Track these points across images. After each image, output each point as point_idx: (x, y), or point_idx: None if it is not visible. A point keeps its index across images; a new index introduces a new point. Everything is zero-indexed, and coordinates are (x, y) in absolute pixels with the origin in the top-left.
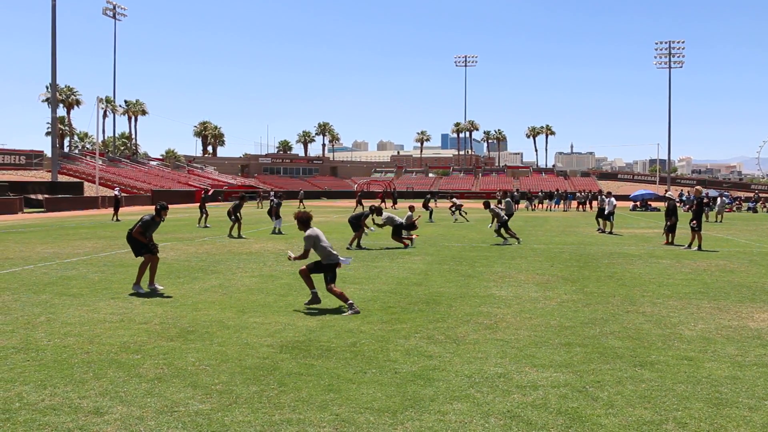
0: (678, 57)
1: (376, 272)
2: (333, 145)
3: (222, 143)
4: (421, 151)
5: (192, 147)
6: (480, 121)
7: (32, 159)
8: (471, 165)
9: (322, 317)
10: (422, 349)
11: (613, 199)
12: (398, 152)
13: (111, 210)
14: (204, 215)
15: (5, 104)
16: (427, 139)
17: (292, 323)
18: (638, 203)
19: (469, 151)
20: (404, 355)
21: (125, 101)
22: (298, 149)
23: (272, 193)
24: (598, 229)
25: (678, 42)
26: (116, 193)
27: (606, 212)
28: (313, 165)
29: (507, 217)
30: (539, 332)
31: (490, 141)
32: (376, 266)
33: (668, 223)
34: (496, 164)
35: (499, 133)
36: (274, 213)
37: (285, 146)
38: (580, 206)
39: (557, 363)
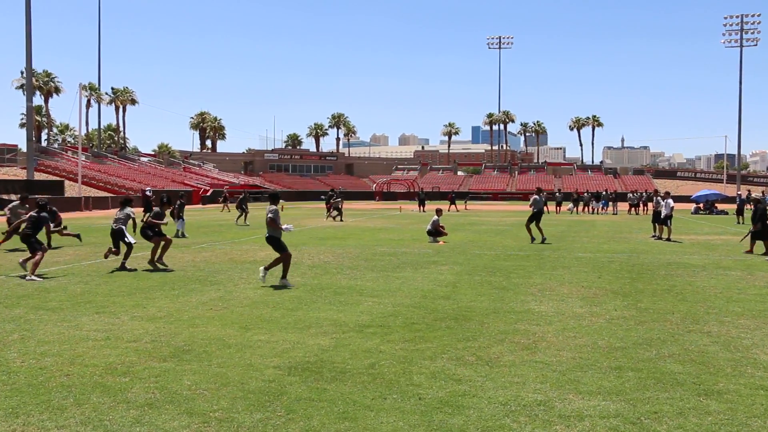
0: (752, 33)
1: (397, 284)
2: (348, 140)
3: (222, 137)
4: (449, 146)
5: (188, 141)
6: (516, 111)
7: (4, 154)
8: (506, 161)
9: (336, 335)
10: (450, 372)
11: (670, 200)
12: (423, 147)
13: (97, 213)
14: (244, 214)
15: None
16: (456, 133)
17: (302, 341)
18: (701, 205)
19: (504, 145)
20: (430, 378)
21: (112, 89)
22: (309, 144)
23: (240, 197)
24: (654, 236)
25: (752, 16)
26: (148, 192)
27: (663, 216)
28: (326, 162)
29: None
30: (585, 354)
31: (527, 134)
32: (398, 277)
33: (753, 228)
34: (535, 160)
35: (539, 126)
36: (176, 215)
37: (294, 140)
38: (633, 209)
39: (606, 389)
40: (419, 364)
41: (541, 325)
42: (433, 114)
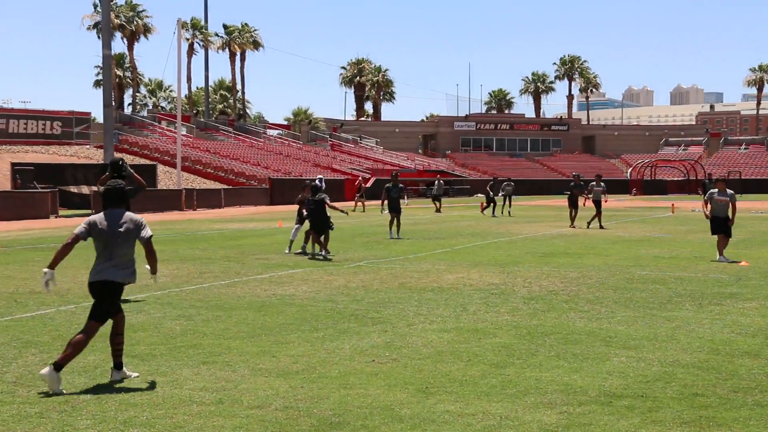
0: None
1: (668, 329)
2: (587, 98)
3: (390, 97)
4: (758, 104)
5: (338, 105)
6: None
7: (72, 126)
8: None
9: (569, 408)
10: None
11: None
12: (711, 107)
13: (204, 213)
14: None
15: (31, 36)
16: None
17: (515, 416)
18: None
19: None
20: None
21: (224, 27)
22: (523, 106)
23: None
24: None
25: None
26: (317, 182)
27: None
28: (550, 133)
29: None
30: None
31: None
32: (669, 317)
33: None
34: None
35: None
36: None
37: (500, 101)
38: None
39: None
40: None
41: None
42: (730, 52)
